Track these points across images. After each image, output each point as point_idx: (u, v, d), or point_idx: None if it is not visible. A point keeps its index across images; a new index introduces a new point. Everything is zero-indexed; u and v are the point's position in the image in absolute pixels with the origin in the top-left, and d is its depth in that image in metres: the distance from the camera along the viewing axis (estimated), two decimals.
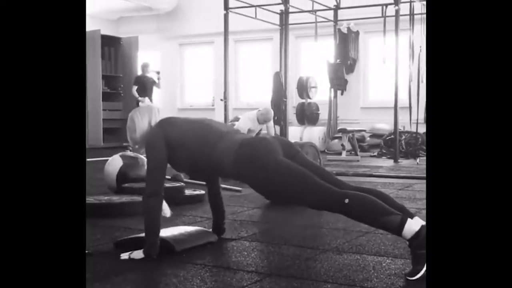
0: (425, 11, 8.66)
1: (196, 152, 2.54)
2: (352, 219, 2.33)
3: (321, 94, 10.61)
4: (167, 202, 2.72)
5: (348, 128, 9.15)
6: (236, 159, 2.42)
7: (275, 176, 2.34)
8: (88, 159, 6.73)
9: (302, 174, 2.32)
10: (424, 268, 2.11)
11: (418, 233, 2.13)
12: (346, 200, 2.20)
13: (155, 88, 11.11)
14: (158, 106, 2.82)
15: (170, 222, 3.03)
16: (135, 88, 10.84)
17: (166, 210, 2.75)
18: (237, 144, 2.46)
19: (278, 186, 2.36)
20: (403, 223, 2.15)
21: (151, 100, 11.03)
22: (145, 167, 2.67)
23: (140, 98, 10.99)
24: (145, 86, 10.85)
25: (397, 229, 2.16)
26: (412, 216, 2.21)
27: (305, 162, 2.47)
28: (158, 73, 11.14)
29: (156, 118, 2.68)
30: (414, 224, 2.16)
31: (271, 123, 8.10)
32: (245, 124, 7.86)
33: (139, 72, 10.95)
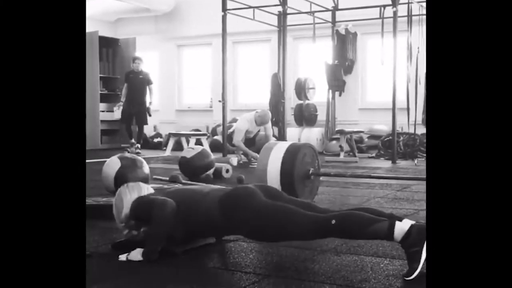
0: (423, 13, 8.68)
1: (183, 216, 2.53)
2: (345, 239, 2.36)
3: (319, 95, 10.61)
4: None
5: (346, 129, 9.15)
6: (221, 209, 2.47)
7: (262, 216, 2.39)
8: (86, 161, 6.72)
9: (286, 210, 2.38)
10: (420, 266, 2.13)
11: (408, 232, 2.16)
12: (333, 221, 2.25)
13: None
14: (148, 186, 2.78)
15: None
16: (124, 86, 10.00)
17: None
18: (221, 195, 2.52)
19: (266, 226, 2.39)
20: (392, 226, 2.18)
21: (139, 103, 9.75)
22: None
23: (118, 104, 10.06)
24: (132, 83, 9.83)
25: (388, 234, 2.18)
26: (400, 219, 2.23)
27: (288, 200, 2.54)
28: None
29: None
30: (403, 225, 2.19)
31: (269, 124, 8.12)
32: (242, 125, 7.87)
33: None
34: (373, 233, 2.21)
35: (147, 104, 9.93)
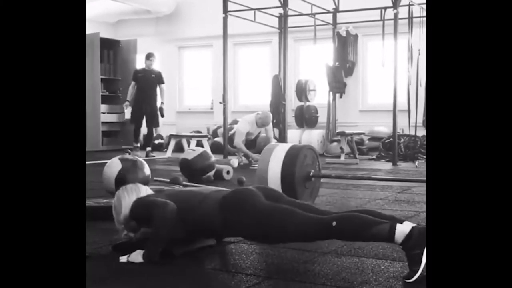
0: (423, 14, 8.67)
1: (183, 218, 2.52)
2: (345, 241, 2.36)
3: (320, 97, 10.61)
4: None
5: (347, 131, 9.15)
6: (221, 211, 2.47)
7: (261, 218, 2.39)
8: (86, 162, 6.72)
9: (287, 211, 2.38)
10: (421, 269, 2.12)
11: (409, 235, 2.15)
12: (334, 223, 2.25)
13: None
14: (147, 187, 2.78)
15: None
16: (132, 85, 9.43)
17: None
18: (220, 198, 2.52)
19: (266, 228, 2.39)
20: (393, 228, 2.17)
21: (151, 104, 9.23)
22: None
23: (125, 104, 9.51)
24: (144, 82, 9.27)
25: (389, 236, 2.18)
26: (401, 222, 2.23)
27: (288, 202, 2.54)
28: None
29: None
30: (404, 227, 2.18)
31: (270, 126, 8.12)
32: (243, 127, 7.87)
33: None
34: (374, 235, 2.21)
35: (159, 104, 9.41)
